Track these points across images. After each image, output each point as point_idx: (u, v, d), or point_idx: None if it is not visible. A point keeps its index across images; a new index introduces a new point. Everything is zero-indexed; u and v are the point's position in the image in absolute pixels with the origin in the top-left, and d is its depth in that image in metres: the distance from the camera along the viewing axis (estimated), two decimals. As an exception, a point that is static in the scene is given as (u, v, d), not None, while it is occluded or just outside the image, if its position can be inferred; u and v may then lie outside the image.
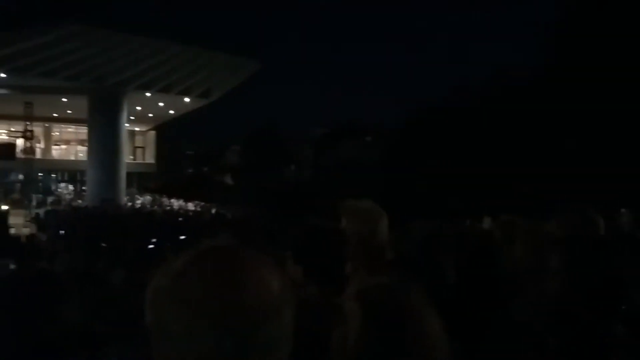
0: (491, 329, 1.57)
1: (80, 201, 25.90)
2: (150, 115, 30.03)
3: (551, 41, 18.86)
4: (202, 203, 27.72)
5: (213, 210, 24.28)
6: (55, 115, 28.95)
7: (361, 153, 27.76)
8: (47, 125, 31.81)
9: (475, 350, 1.38)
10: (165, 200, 29.51)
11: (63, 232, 15.86)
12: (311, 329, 1.00)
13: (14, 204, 21.83)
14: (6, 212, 17.16)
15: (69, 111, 27.70)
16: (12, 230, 17.20)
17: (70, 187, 33.05)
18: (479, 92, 21.53)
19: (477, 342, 1.43)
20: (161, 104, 26.75)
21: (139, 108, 26.71)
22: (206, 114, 31.32)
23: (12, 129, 22.34)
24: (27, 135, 19.69)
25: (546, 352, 1.50)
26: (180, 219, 20.34)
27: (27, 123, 19.58)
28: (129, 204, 25.14)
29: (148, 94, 23.86)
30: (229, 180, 44.36)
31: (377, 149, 27.08)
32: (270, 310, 0.63)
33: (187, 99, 25.57)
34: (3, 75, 19.60)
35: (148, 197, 30.29)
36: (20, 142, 20.66)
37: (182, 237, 14.66)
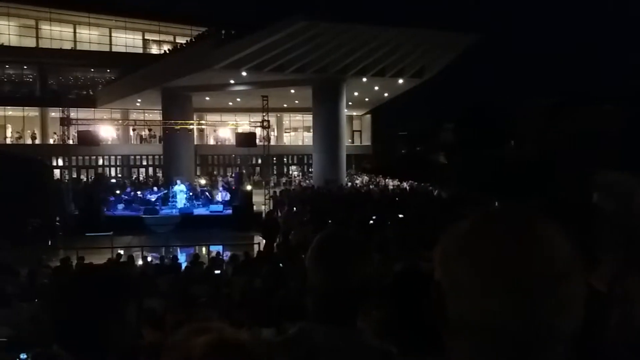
0: None
1: (307, 181, 28.70)
2: (366, 99, 31.37)
3: None
4: (416, 183, 28.02)
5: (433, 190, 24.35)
6: (285, 105, 32.39)
7: (600, 124, 24.29)
8: (278, 115, 35.87)
9: None
10: (381, 180, 30.68)
11: (295, 209, 17.83)
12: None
13: (255, 185, 25.33)
14: (250, 192, 19.94)
15: (296, 101, 30.70)
16: (255, 208, 20.07)
17: (299, 169, 37.00)
18: None
19: None
20: (376, 88, 27.70)
21: (356, 93, 28.13)
22: (419, 94, 31.15)
23: (252, 120, 25.71)
24: (265, 125, 22.29)
25: None
26: (396, 198, 21.02)
27: (264, 114, 22.17)
28: (349, 184, 26.84)
29: (364, 79, 24.92)
30: (442, 159, 43.80)
31: (621, 118, 23.39)
32: (562, 273, 0.63)
33: (400, 81, 25.93)
34: (245, 73, 22.67)
35: (365, 178, 31.94)
36: (258, 131, 23.54)
37: (400, 216, 15.20)
